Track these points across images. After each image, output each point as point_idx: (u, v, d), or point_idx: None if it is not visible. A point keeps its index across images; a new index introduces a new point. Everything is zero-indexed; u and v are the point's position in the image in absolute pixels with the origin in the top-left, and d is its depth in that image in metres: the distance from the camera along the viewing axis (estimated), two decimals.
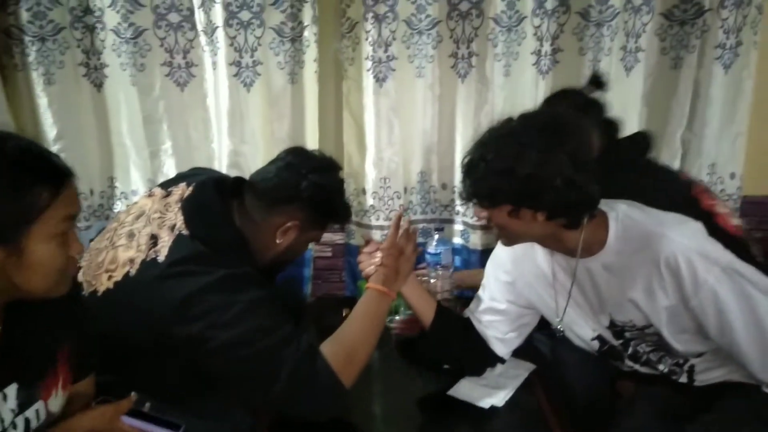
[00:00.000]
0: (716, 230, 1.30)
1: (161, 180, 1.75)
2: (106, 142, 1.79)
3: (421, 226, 1.89)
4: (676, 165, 1.81)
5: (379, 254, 1.23)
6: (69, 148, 1.72)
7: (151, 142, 1.76)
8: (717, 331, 0.99)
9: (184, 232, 1.11)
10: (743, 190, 1.84)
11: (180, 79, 1.73)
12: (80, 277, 1.16)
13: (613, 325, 1.12)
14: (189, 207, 1.15)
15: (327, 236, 1.92)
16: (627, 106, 1.76)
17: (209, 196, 1.18)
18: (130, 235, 1.15)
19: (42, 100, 1.67)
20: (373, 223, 1.83)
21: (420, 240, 1.85)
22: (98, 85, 1.73)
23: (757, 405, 1.02)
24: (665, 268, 0.98)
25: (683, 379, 1.14)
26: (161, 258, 1.08)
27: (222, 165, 1.75)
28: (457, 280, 1.61)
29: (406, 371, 1.44)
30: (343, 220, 1.30)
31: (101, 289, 1.11)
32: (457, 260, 1.86)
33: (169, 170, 1.77)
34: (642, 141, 1.46)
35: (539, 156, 0.95)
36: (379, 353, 1.47)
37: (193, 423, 1.05)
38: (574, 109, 1.35)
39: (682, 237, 1.00)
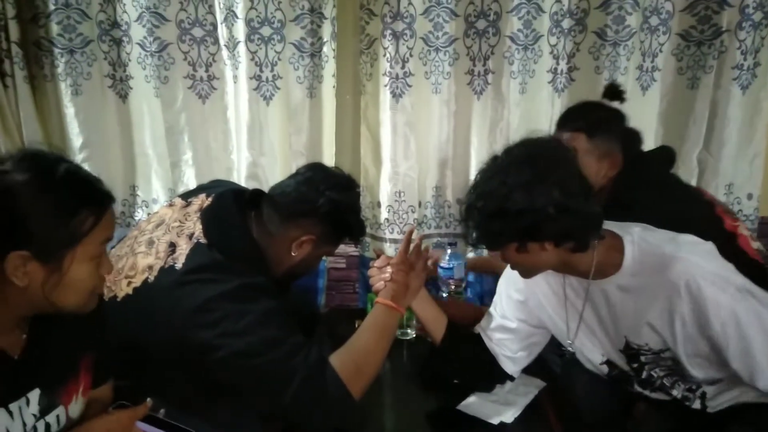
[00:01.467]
0: (738, 252, 1.30)
1: (181, 189, 1.80)
2: (129, 151, 1.83)
3: (435, 240, 1.90)
4: (693, 184, 1.80)
5: (389, 269, 1.24)
6: (93, 156, 1.77)
7: (173, 152, 1.80)
8: (737, 354, 0.98)
9: (202, 240, 1.14)
10: (760, 211, 1.83)
11: (202, 92, 1.77)
12: None
13: (628, 348, 1.12)
14: (208, 216, 1.19)
15: (341, 248, 1.92)
16: (643, 125, 1.74)
17: (228, 207, 1.21)
18: (150, 243, 1.18)
19: (69, 110, 1.73)
20: (387, 236, 1.85)
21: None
22: (123, 97, 1.78)
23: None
24: (685, 292, 0.98)
25: (696, 405, 1.13)
26: (179, 265, 1.11)
27: (240, 176, 1.79)
28: (470, 264, 1.65)
29: (416, 385, 1.44)
30: (357, 237, 1.32)
31: (121, 294, 1.14)
32: (470, 276, 1.86)
33: (189, 180, 1.81)
34: (666, 155, 1.46)
35: (525, 191, 0.96)
36: (390, 366, 1.49)
37: (204, 430, 1.08)
38: (594, 122, 1.37)
39: (700, 259, 1.00)
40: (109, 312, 1.12)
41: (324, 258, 1.89)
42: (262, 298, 1.10)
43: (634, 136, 1.43)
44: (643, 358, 1.12)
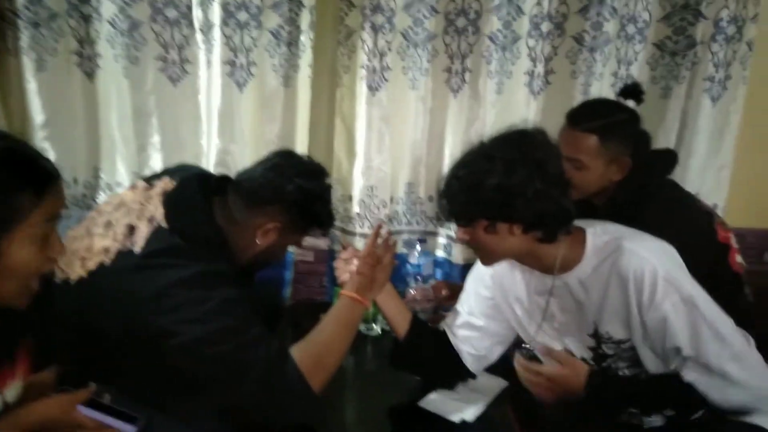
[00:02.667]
0: (723, 264, 1.31)
1: (147, 174, 1.74)
2: (93, 132, 1.77)
3: (405, 236, 1.89)
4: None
5: (356, 261, 1.21)
6: (56, 135, 1.71)
7: (140, 135, 1.74)
8: (660, 351, 1.03)
9: (163, 224, 1.10)
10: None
11: (173, 75, 1.72)
12: None
13: (596, 335, 1.12)
14: (170, 200, 1.15)
15: (310, 241, 1.90)
16: None
17: (191, 191, 1.17)
18: (108, 225, 1.13)
19: (31, 86, 1.65)
20: (358, 230, 1.83)
21: (403, 251, 1.86)
22: (90, 75, 1.72)
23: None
24: (633, 284, 1.01)
25: None
26: (137, 249, 1.07)
27: (210, 163, 1.74)
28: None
29: (379, 381, 1.43)
30: (325, 226, 1.29)
31: (74, 277, 1.09)
32: (438, 273, 1.86)
33: (156, 164, 1.76)
34: (670, 158, 1.43)
35: (506, 166, 0.98)
36: (353, 362, 1.47)
37: (158, 421, 1.04)
38: (610, 125, 1.31)
39: (653, 256, 1.02)
40: (60, 295, 1.08)
41: (291, 250, 1.86)
42: (223, 285, 1.06)
43: (645, 139, 1.38)
44: (605, 347, 1.13)
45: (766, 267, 1.94)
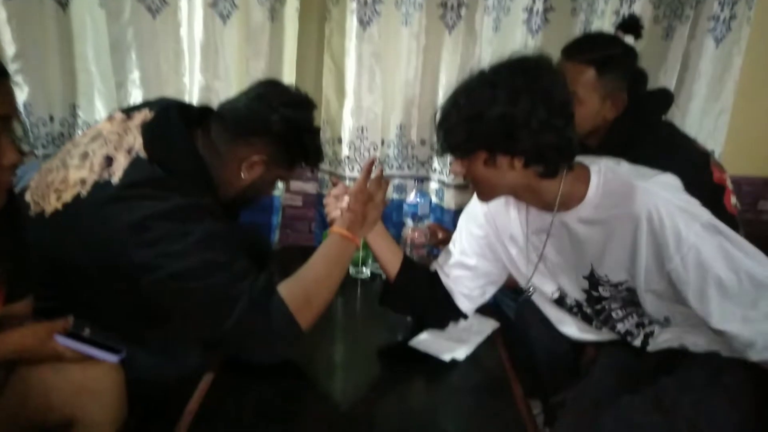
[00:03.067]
0: (718, 205, 1.28)
1: None
2: (69, 66, 1.68)
3: (396, 181, 1.84)
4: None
5: (347, 198, 1.17)
6: (29, 69, 1.61)
7: (118, 70, 1.66)
8: (696, 291, 0.96)
9: (142, 154, 1.05)
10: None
11: (152, 6, 1.62)
12: (27, 197, 1.09)
13: (592, 276, 1.09)
14: (149, 130, 1.09)
15: (298, 185, 1.86)
16: None
17: (172, 121, 1.11)
18: (84, 156, 1.08)
19: (0, 14, 1.55)
20: (348, 174, 1.78)
21: (394, 196, 1.82)
22: (63, 4, 1.62)
23: (712, 372, 1.01)
24: (647, 223, 0.96)
25: (637, 342, 1.13)
26: (115, 180, 1.02)
27: (192, 100, 1.67)
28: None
29: (368, 322, 1.41)
30: (312, 161, 1.23)
31: (49, 209, 1.05)
32: (433, 211, 1.82)
33: (136, 101, 1.67)
34: (664, 98, 1.39)
35: (510, 95, 0.92)
36: (342, 305, 1.44)
37: (137, 356, 1.01)
38: (607, 58, 1.27)
39: (665, 191, 0.97)
40: (35, 229, 1.03)
41: (279, 194, 1.81)
42: (206, 218, 1.02)
43: (642, 78, 1.35)
44: (601, 290, 1.11)
45: (761, 215, 1.93)
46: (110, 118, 1.17)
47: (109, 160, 1.05)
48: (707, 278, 0.94)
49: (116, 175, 1.02)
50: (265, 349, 1.03)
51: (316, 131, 1.20)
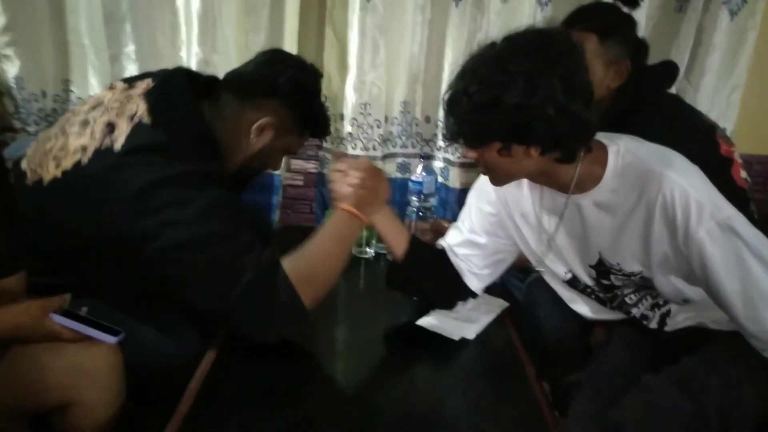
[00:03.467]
0: (727, 178, 1.25)
1: None
2: (61, 39, 1.61)
3: (399, 160, 1.80)
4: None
5: (353, 173, 1.10)
6: (20, 41, 1.56)
7: (113, 43, 1.59)
8: (703, 283, 0.93)
9: (146, 120, 1.00)
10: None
11: None
12: (23, 165, 1.05)
13: (600, 264, 1.06)
14: (154, 95, 1.05)
15: (299, 164, 1.81)
16: None
17: (177, 86, 1.08)
18: (84, 123, 1.04)
19: None
20: (350, 152, 1.72)
21: (398, 175, 1.78)
22: None
23: (736, 353, 0.97)
24: (660, 210, 0.91)
25: (654, 324, 1.10)
26: (117, 146, 0.98)
27: None
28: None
29: (374, 302, 1.37)
30: (321, 129, 1.21)
31: (47, 177, 1.01)
32: (439, 188, 1.78)
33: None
34: (670, 70, 1.36)
35: (527, 83, 0.84)
36: (346, 285, 1.41)
37: (137, 334, 0.97)
38: (609, 24, 1.25)
39: (684, 180, 0.90)
40: (31, 197, 1.00)
41: (280, 173, 1.76)
42: (211, 186, 0.98)
43: (643, 48, 1.33)
44: (613, 278, 1.07)
45: None
46: (111, 87, 1.13)
47: (110, 127, 1.01)
48: (709, 282, 0.90)
49: (118, 141, 0.98)
50: (266, 326, 0.98)
51: (321, 99, 1.18)
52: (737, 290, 0.87)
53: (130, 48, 1.61)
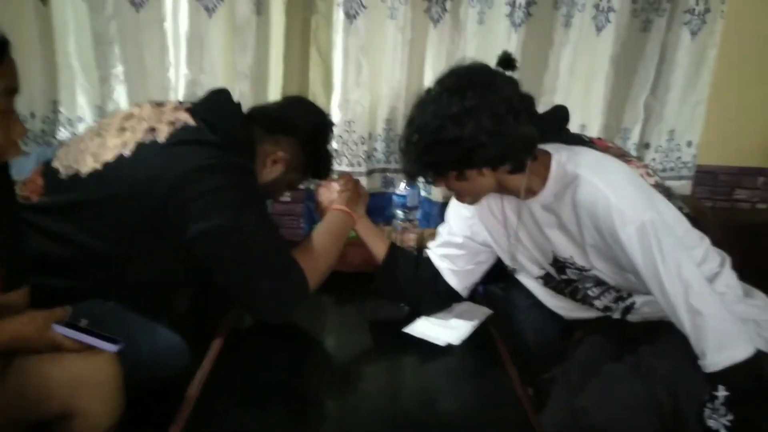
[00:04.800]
0: None
1: (111, 107, 1.66)
2: (50, 61, 1.64)
3: (383, 175, 1.85)
4: (637, 131, 1.84)
5: (335, 186, 1.31)
6: None
7: (101, 65, 1.62)
8: (633, 275, 1.03)
9: (190, 122, 1.08)
10: (698, 159, 1.89)
11: None
12: (55, 163, 1.10)
13: (556, 261, 1.15)
14: (200, 104, 1.15)
15: None
16: (595, 68, 1.77)
17: (226, 98, 1.18)
18: (122, 129, 1.10)
19: None
20: (336, 167, 1.77)
21: (383, 189, 1.83)
22: None
23: (682, 337, 1.02)
24: (584, 212, 1.01)
25: (617, 315, 1.16)
26: (161, 139, 1.05)
27: (178, 95, 1.65)
28: None
29: (361, 311, 1.42)
30: (323, 170, 1.33)
31: (86, 170, 1.06)
32: (417, 213, 1.83)
33: (120, 97, 1.65)
34: (560, 114, 1.44)
35: (456, 121, 0.97)
36: (333, 296, 1.44)
37: (131, 340, 1.00)
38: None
39: (607, 186, 0.99)
40: (63, 189, 1.05)
41: None
42: (252, 180, 1.11)
43: (529, 100, 1.40)
44: (569, 272, 1.15)
45: (737, 204, 1.99)
46: (137, 105, 1.20)
47: (152, 129, 1.07)
48: (637, 275, 0.99)
49: (161, 137, 1.05)
50: (282, 307, 1.10)
51: (331, 148, 1.33)
52: (656, 288, 0.97)
53: (119, 69, 1.63)
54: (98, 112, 1.67)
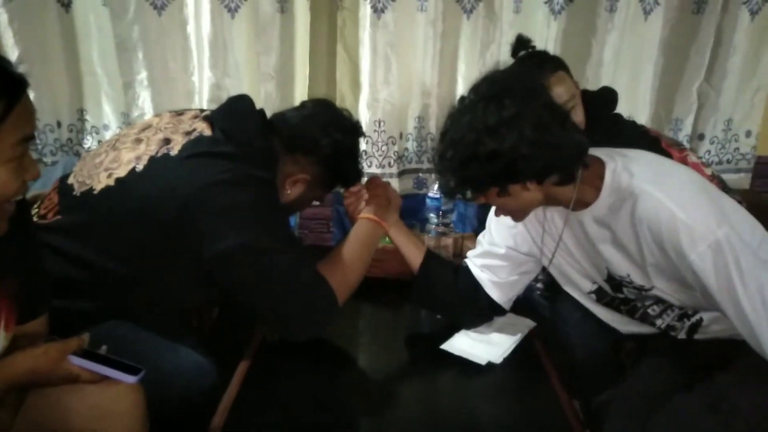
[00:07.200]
0: None
1: (136, 113, 1.64)
2: (74, 69, 1.62)
3: (416, 176, 1.78)
4: (690, 121, 1.72)
5: (364, 193, 1.22)
6: (33, 73, 1.56)
7: (125, 71, 1.60)
8: (700, 295, 0.91)
9: (206, 133, 1.02)
10: (758, 150, 1.75)
11: (157, 2, 1.56)
12: (71, 179, 1.06)
13: (611, 279, 1.06)
14: (219, 112, 1.09)
15: None
16: (642, 55, 1.65)
17: (249, 104, 1.11)
18: (137, 140, 1.05)
19: (2, 17, 1.50)
20: (366, 169, 1.71)
21: (415, 191, 1.76)
22: (66, 4, 1.56)
23: (762, 362, 0.92)
24: (645, 229, 0.91)
25: (682, 335, 1.07)
26: (174, 153, 0.99)
27: (203, 99, 1.61)
28: None
29: (397, 324, 1.35)
30: (350, 182, 1.24)
31: (99, 186, 1.01)
32: (459, 205, 1.75)
33: (145, 103, 1.62)
34: (608, 96, 1.38)
35: (494, 133, 0.89)
36: (369, 308, 1.38)
37: (154, 367, 0.95)
38: (559, 61, 1.29)
39: (672, 201, 0.89)
40: (76, 208, 1.00)
41: None
42: (274, 193, 1.04)
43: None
44: (626, 291, 1.06)
45: None
46: (157, 115, 1.16)
47: (166, 141, 1.02)
48: (705, 296, 0.89)
49: (175, 150, 0.99)
50: (311, 325, 1.06)
51: (359, 156, 1.23)
52: (731, 311, 0.86)
53: (143, 75, 1.61)
54: (124, 119, 1.65)
